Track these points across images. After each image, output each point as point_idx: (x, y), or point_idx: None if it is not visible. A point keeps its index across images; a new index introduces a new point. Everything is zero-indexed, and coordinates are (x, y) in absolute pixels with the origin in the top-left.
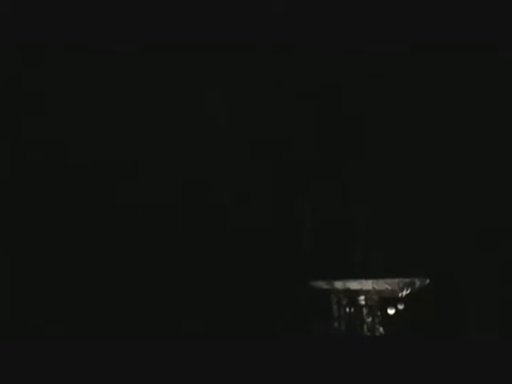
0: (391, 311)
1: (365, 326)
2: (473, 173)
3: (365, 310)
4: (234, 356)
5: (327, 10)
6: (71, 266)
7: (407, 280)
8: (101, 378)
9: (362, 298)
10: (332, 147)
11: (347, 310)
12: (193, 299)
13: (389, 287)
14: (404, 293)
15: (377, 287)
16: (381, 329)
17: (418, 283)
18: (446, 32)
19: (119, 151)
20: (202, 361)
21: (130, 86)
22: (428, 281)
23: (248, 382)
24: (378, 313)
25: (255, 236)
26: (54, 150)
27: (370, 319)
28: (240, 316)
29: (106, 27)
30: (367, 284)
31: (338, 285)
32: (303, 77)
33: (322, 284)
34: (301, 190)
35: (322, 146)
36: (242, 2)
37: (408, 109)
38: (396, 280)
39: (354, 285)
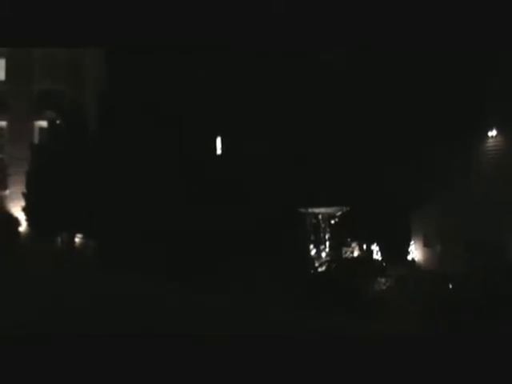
0: (332, 221)
1: (321, 228)
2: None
3: (321, 221)
4: (234, 355)
5: (327, 10)
6: None
7: (339, 207)
8: (100, 378)
9: (320, 216)
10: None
11: (313, 221)
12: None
13: (331, 211)
14: (338, 214)
15: (325, 211)
16: (328, 229)
17: (344, 209)
18: (447, 33)
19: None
20: (201, 360)
21: (131, 85)
22: (348, 208)
23: (247, 382)
24: (327, 222)
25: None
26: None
27: (323, 225)
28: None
29: (105, 27)
30: (321, 210)
31: (309, 210)
32: (302, 77)
33: (302, 210)
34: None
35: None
36: (242, 2)
37: (407, 108)
38: (334, 207)
39: (316, 210)
